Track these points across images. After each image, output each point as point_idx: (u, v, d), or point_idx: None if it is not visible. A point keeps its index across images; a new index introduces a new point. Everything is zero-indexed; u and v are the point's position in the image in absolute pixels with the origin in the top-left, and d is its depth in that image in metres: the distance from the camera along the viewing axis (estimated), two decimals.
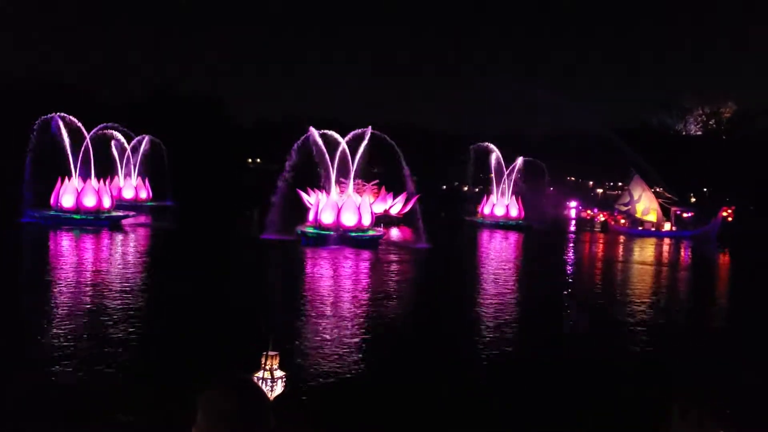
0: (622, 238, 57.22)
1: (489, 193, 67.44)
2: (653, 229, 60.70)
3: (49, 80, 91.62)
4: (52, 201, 47.88)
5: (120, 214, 50.05)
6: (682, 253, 51.01)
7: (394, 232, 49.55)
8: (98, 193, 48.91)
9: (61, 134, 47.49)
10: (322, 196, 45.49)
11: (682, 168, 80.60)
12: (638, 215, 62.20)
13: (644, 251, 49.45)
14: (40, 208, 46.70)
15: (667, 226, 60.48)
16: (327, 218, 43.59)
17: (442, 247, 44.70)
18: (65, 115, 48.05)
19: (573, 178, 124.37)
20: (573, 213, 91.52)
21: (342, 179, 45.64)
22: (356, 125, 46.33)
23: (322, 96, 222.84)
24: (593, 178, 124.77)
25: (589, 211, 72.30)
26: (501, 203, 65.29)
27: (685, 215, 62.56)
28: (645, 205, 61.89)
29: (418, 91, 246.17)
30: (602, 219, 65.66)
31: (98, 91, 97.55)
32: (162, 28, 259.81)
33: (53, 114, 47.67)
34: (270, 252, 38.74)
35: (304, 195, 50.94)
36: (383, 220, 48.27)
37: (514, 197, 65.57)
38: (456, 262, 40.79)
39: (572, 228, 71.49)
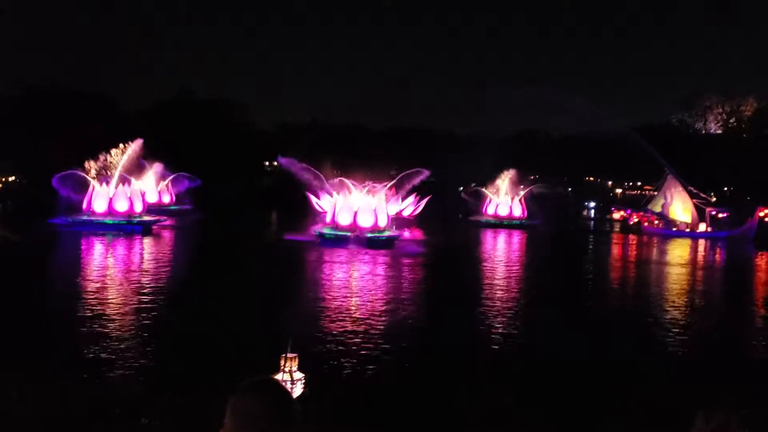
0: (656, 240, 56.41)
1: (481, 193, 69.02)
2: (688, 230, 59.68)
3: (71, 89, 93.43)
4: (84, 206, 48.52)
5: (152, 218, 50.60)
6: (718, 255, 50.12)
7: (407, 234, 49.62)
8: (130, 197, 49.48)
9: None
10: (339, 197, 46.53)
11: (703, 167, 79.39)
12: (672, 216, 61.24)
13: (678, 253, 48.66)
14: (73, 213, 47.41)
15: (702, 227, 59.43)
16: (344, 219, 44.49)
17: (458, 248, 45.19)
18: None
19: (591, 178, 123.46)
20: (592, 213, 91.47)
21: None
22: (377, 129, 47.72)
23: (343, 100, 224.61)
24: (612, 178, 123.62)
25: (621, 212, 71.41)
26: (504, 203, 66.00)
27: (720, 216, 61.37)
28: (679, 205, 60.99)
29: (435, 93, 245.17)
30: (635, 220, 64.81)
31: (120, 98, 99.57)
32: (179, 34, 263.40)
33: None
34: (288, 253, 38.94)
35: (313, 198, 52.59)
36: (395, 222, 48.64)
37: (517, 197, 66.60)
38: (475, 262, 40.86)
39: (591, 228, 71.74)
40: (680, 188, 61.31)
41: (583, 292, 31.28)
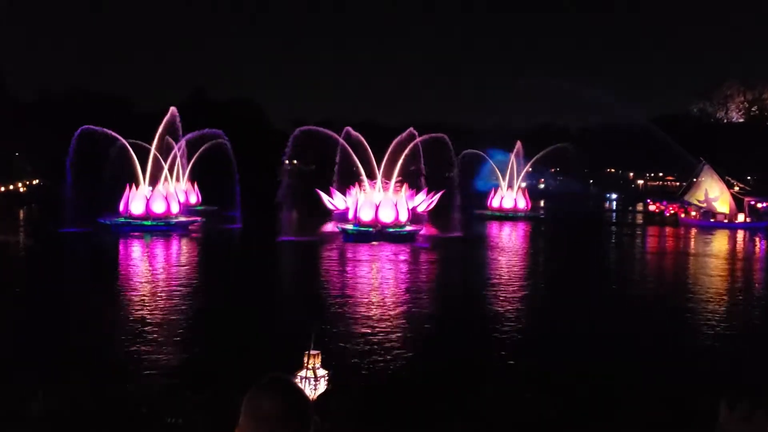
0: (694, 231, 55.53)
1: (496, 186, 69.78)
2: (726, 220, 58.57)
3: (86, 91, 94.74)
4: (121, 208, 48.95)
5: (188, 219, 51.11)
6: (758, 245, 49.15)
7: (423, 230, 49.69)
8: (166, 198, 49.90)
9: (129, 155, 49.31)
10: (360, 194, 47.76)
11: (725, 156, 78.14)
12: (718, 210, 59.92)
13: (718, 244, 47.88)
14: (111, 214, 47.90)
15: (740, 218, 58.30)
16: (366, 215, 45.69)
17: (479, 240, 46.46)
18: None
19: (613, 170, 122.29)
20: (614, 205, 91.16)
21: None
22: (391, 126, 48.09)
23: (356, 97, 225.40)
24: (634, 169, 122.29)
25: (658, 204, 70.45)
26: (509, 196, 67.41)
27: (759, 205, 60.20)
28: (717, 195, 59.89)
29: (450, 90, 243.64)
30: (672, 211, 63.92)
31: (135, 100, 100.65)
32: (190, 35, 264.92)
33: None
34: (313, 250, 39.19)
35: (324, 195, 52.84)
36: (411, 218, 48.85)
37: (521, 190, 68.18)
38: (499, 254, 41.07)
39: (614, 219, 72.42)
40: (717, 178, 60.21)
41: (637, 285, 31.44)
